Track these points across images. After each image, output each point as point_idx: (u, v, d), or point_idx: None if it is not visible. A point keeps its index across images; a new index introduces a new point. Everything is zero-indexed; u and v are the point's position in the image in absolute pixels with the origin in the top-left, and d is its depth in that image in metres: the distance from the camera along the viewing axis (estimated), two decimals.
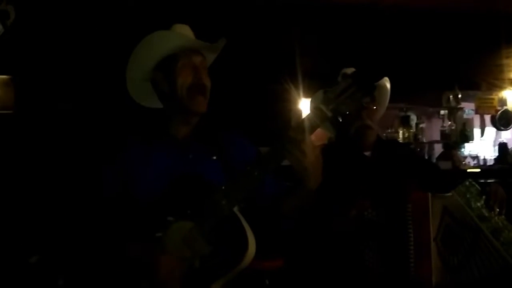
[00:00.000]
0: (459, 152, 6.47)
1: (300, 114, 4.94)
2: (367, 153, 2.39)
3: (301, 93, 4.90)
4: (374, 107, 2.38)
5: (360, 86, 1.62)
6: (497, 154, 6.71)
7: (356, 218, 2.14)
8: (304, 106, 5.10)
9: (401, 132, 5.56)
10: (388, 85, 2.52)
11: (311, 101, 2.59)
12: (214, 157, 1.85)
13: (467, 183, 2.10)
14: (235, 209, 1.69)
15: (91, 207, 1.81)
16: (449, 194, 2.09)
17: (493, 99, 6.07)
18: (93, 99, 3.78)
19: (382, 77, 2.47)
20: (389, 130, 5.53)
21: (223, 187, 1.68)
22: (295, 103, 5.05)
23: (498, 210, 2.07)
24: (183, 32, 1.87)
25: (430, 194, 2.10)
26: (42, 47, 3.52)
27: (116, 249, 1.71)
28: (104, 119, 3.63)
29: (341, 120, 1.61)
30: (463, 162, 6.13)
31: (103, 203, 1.80)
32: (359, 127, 2.34)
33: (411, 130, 5.62)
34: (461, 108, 5.81)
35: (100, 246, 1.73)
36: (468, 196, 2.08)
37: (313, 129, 1.63)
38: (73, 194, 1.84)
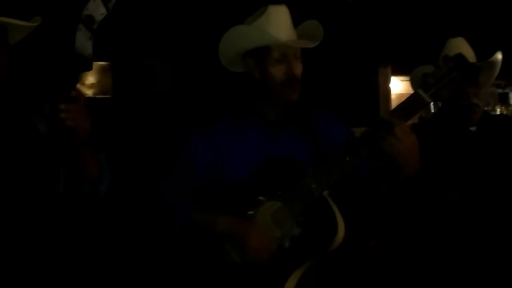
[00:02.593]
0: None
1: (388, 93, 4.83)
2: (472, 128, 2.31)
3: (389, 72, 4.78)
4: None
5: (463, 71, 1.54)
6: None
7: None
8: (394, 85, 4.97)
9: (498, 110, 5.28)
10: (500, 58, 2.39)
11: (411, 82, 2.51)
12: (304, 138, 1.85)
13: None
14: (325, 193, 1.70)
15: (184, 183, 1.85)
16: None
17: None
18: (184, 82, 3.90)
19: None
20: (486, 108, 5.26)
21: (313, 171, 1.69)
22: (385, 82, 4.93)
23: None
24: (279, 19, 1.80)
25: None
26: (136, 34, 3.67)
27: (207, 222, 1.76)
28: (195, 100, 3.74)
29: (441, 105, 1.55)
30: None
31: (196, 179, 1.85)
32: (464, 106, 2.25)
33: (510, 108, 5.33)
34: None
35: (192, 220, 1.78)
36: None
37: (410, 115, 1.59)
38: (167, 173, 1.90)
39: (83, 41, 1.38)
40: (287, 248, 1.69)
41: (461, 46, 2.33)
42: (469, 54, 2.29)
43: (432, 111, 3.56)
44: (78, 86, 1.44)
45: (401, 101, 1.62)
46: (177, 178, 1.85)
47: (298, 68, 1.82)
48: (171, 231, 1.81)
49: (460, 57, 1.57)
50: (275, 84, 1.80)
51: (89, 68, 1.41)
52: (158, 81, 3.87)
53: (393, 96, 4.86)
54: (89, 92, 2.82)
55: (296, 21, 1.88)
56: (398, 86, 5.09)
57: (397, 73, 4.86)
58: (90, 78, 3.69)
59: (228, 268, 1.70)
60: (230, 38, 1.84)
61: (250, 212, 1.73)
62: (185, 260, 1.75)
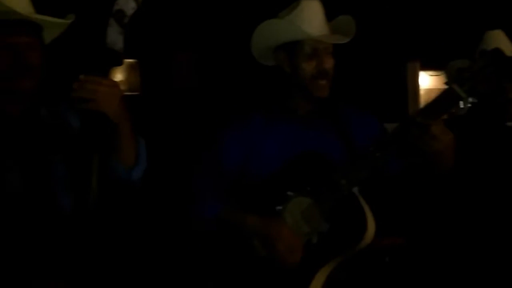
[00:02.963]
0: None
1: (417, 89, 4.76)
2: (509, 124, 2.26)
3: (418, 67, 4.72)
4: None
5: (501, 65, 1.50)
6: None
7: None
8: (423, 80, 4.90)
9: None
10: None
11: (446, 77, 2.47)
12: (335, 134, 1.83)
13: None
14: (355, 189, 1.68)
15: (214, 177, 1.85)
16: None
17: None
18: (211, 78, 3.91)
19: None
20: None
21: (343, 167, 1.67)
22: (413, 77, 4.86)
23: None
24: (312, 14, 1.79)
25: None
26: (163, 31, 3.69)
27: (235, 219, 1.76)
28: (222, 96, 3.75)
29: (476, 101, 1.52)
30: None
31: (226, 173, 1.84)
32: (501, 101, 2.20)
33: None
34: None
35: (220, 216, 1.78)
36: None
37: (443, 111, 1.55)
38: (197, 167, 1.90)
39: (114, 36, 1.37)
40: (315, 244, 1.68)
41: (500, 40, 2.28)
42: (508, 48, 2.23)
43: (462, 106, 3.49)
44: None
45: (430, 97, 1.58)
46: (207, 172, 1.85)
47: (329, 63, 1.80)
48: (198, 225, 1.81)
49: (498, 51, 1.53)
50: (306, 79, 1.79)
51: (120, 63, 1.40)
52: (186, 78, 3.89)
53: (421, 92, 4.79)
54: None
55: (328, 16, 1.87)
56: (427, 81, 5.01)
57: (426, 68, 4.78)
58: (119, 76, 3.74)
59: (255, 263, 1.70)
60: (262, 32, 1.84)
61: (279, 207, 1.72)
62: (213, 254, 1.75)
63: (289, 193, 1.72)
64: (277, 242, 1.66)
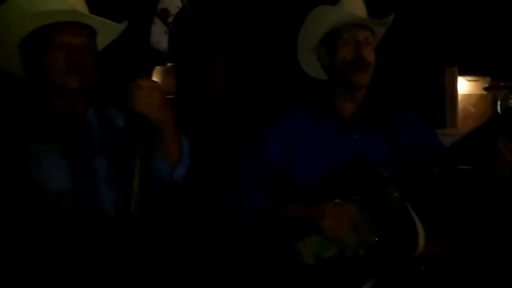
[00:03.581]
0: None
1: (455, 94, 4.67)
2: None
3: (456, 72, 4.62)
4: None
5: None
6: None
7: None
8: (461, 86, 4.80)
9: None
10: None
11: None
12: (381, 136, 1.79)
13: None
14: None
15: (255, 175, 1.83)
16: None
17: None
18: (246, 81, 3.90)
19: None
20: None
21: (394, 177, 1.61)
22: (451, 82, 4.76)
23: None
24: (355, 3, 1.83)
25: None
26: (199, 35, 3.71)
27: (279, 211, 1.72)
28: (257, 100, 3.73)
29: None
30: None
31: (267, 172, 1.81)
32: None
33: None
34: None
35: (262, 211, 1.75)
36: None
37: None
38: (238, 166, 1.88)
39: (159, 35, 1.36)
40: (363, 255, 1.62)
41: None
42: None
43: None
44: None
45: (468, 102, 1.53)
46: (248, 168, 1.82)
47: (367, 51, 1.78)
48: (241, 221, 1.77)
49: None
50: (344, 65, 1.77)
51: (164, 62, 1.40)
52: (221, 81, 3.89)
53: (459, 97, 4.69)
54: None
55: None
56: (465, 87, 4.91)
57: (464, 73, 4.70)
58: (154, 79, 3.77)
59: (299, 269, 1.64)
60: (304, 31, 1.86)
61: None
62: (256, 256, 1.72)
63: (336, 200, 1.67)
64: (323, 220, 1.60)
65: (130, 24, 1.58)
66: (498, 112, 1.55)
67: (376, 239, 1.60)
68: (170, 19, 1.36)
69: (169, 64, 3.78)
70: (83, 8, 1.59)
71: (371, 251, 1.61)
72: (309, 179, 1.73)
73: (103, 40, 1.67)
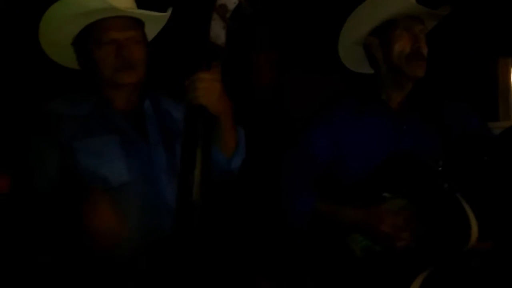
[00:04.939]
0: None
1: (508, 87, 4.53)
2: None
3: (510, 64, 4.48)
4: None
5: None
6: None
7: None
8: None
9: None
10: None
11: None
12: (431, 130, 1.77)
13: None
14: (458, 193, 1.61)
15: (304, 173, 1.84)
16: None
17: None
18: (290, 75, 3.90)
19: None
20: None
21: (443, 168, 1.61)
22: (505, 74, 4.62)
23: None
24: None
25: None
26: (242, 31, 3.72)
27: (332, 212, 1.74)
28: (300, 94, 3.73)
29: None
30: None
31: (316, 169, 1.83)
32: None
33: None
34: None
35: (315, 210, 1.77)
36: None
37: None
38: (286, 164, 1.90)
39: (217, 30, 1.40)
40: (414, 248, 1.62)
41: None
42: None
43: None
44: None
45: None
46: (297, 166, 1.83)
47: (423, 44, 1.76)
48: (292, 220, 1.80)
49: None
50: (400, 59, 1.75)
51: (222, 57, 1.44)
52: (266, 75, 3.90)
53: None
54: None
55: None
56: None
57: None
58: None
59: (351, 264, 1.67)
60: (352, 21, 1.83)
61: None
62: (311, 250, 1.74)
63: (384, 194, 1.68)
64: (380, 225, 1.62)
65: (189, 19, 1.62)
66: None
67: (427, 231, 1.60)
68: (228, 15, 1.40)
69: None
70: (127, 2, 1.62)
71: (422, 244, 1.61)
72: (358, 173, 1.73)
73: (152, 30, 1.70)
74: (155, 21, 1.69)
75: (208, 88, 1.42)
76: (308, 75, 3.80)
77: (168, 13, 1.66)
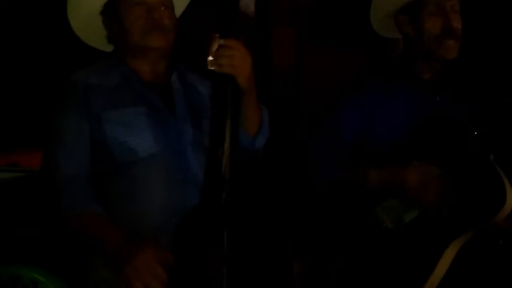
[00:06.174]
0: None
1: None
2: None
3: None
4: None
5: None
6: None
7: None
8: None
9: None
10: None
11: None
12: (462, 98, 1.72)
13: None
14: (491, 157, 1.57)
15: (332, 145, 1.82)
16: None
17: None
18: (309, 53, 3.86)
19: None
20: None
21: (477, 133, 1.57)
22: None
23: None
24: None
25: None
26: (262, 9, 3.67)
27: (357, 176, 1.71)
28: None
29: None
30: None
31: (344, 142, 1.81)
32: None
33: None
34: None
35: (340, 178, 1.75)
36: None
37: None
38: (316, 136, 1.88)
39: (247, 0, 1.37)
40: (446, 217, 1.59)
41: None
42: None
43: None
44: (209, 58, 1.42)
45: None
46: (326, 139, 1.81)
47: (456, 21, 1.70)
48: (318, 190, 1.78)
49: None
50: (430, 39, 1.70)
51: (251, 27, 1.41)
52: (285, 54, 3.86)
53: None
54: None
55: None
56: None
57: None
58: None
59: (382, 235, 1.63)
60: None
61: None
62: (338, 224, 1.72)
63: (415, 162, 1.63)
64: (407, 183, 1.58)
65: None
66: None
67: (460, 198, 1.57)
68: None
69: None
70: None
71: (455, 212, 1.57)
72: (388, 144, 1.70)
73: (180, 5, 1.70)
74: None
75: (241, 58, 1.39)
76: (328, 47, 3.73)
77: None
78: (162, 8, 1.56)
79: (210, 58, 1.37)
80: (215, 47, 1.36)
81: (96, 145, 1.52)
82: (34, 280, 1.54)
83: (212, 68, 1.37)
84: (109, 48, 1.69)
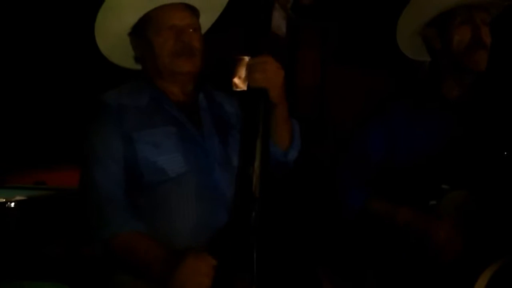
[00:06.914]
0: None
1: None
2: None
3: None
4: None
5: None
6: None
7: None
8: None
9: None
10: None
11: None
12: (488, 120, 1.70)
13: None
14: None
15: (358, 170, 1.82)
16: None
17: None
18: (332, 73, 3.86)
19: None
20: None
21: (506, 158, 1.55)
22: None
23: None
24: None
25: None
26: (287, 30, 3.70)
27: (385, 211, 1.71)
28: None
29: None
30: None
31: (370, 166, 1.80)
32: None
33: None
34: None
35: (367, 207, 1.74)
36: None
37: None
38: (342, 160, 1.88)
39: (279, 21, 1.39)
40: (475, 244, 1.57)
41: None
42: None
43: None
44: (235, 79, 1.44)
45: None
46: (352, 162, 1.82)
47: (485, 34, 1.69)
48: (346, 214, 1.77)
49: None
50: (460, 50, 1.69)
51: (281, 48, 1.42)
52: (310, 74, 3.87)
53: None
54: (244, 86, 2.89)
55: None
56: None
57: None
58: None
59: (415, 258, 1.63)
60: (409, 12, 1.77)
61: (432, 202, 1.64)
62: (368, 245, 1.71)
63: (443, 186, 1.63)
64: (433, 236, 1.58)
65: (250, 9, 1.61)
66: None
67: (490, 224, 1.55)
68: (289, 5, 1.38)
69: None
70: None
71: (484, 238, 1.56)
72: (414, 167, 1.69)
73: (206, 21, 1.71)
74: (211, 10, 1.69)
75: (274, 72, 1.41)
76: (352, 68, 3.72)
77: (225, 1, 1.66)
78: (191, 30, 1.58)
79: (237, 79, 1.39)
80: (242, 68, 1.38)
81: (126, 164, 1.53)
82: None
83: (242, 86, 1.39)
84: (135, 66, 1.70)
